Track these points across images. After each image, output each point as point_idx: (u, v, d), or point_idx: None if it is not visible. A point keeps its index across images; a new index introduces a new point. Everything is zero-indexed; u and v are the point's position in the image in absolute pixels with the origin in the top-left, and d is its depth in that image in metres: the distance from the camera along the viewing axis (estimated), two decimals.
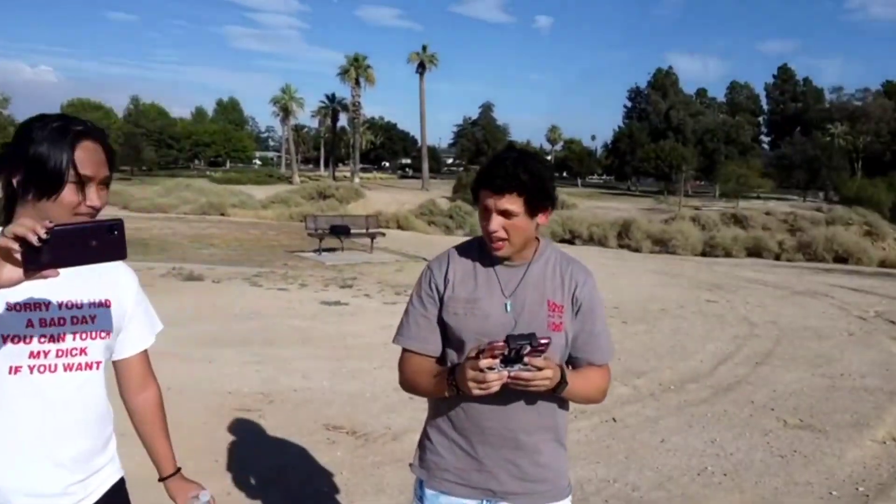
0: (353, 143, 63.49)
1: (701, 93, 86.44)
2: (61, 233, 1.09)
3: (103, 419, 1.50)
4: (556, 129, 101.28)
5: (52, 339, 1.37)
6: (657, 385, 5.91)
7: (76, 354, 1.40)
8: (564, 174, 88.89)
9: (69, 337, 1.39)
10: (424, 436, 1.84)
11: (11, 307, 1.32)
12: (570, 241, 24.32)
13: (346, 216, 18.40)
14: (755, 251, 22.00)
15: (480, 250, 1.75)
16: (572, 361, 1.76)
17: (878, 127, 66.97)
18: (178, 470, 1.69)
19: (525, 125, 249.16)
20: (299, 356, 6.34)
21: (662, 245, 22.62)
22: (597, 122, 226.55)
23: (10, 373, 1.33)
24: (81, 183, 1.33)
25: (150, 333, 1.63)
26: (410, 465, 1.86)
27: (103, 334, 1.45)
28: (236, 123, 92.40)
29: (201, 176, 51.05)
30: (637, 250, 22.50)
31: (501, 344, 1.46)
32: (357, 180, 53.44)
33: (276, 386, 5.41)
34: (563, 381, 1.58)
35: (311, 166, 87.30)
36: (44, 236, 1.07)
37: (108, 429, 1.53)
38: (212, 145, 76.04)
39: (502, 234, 1.64)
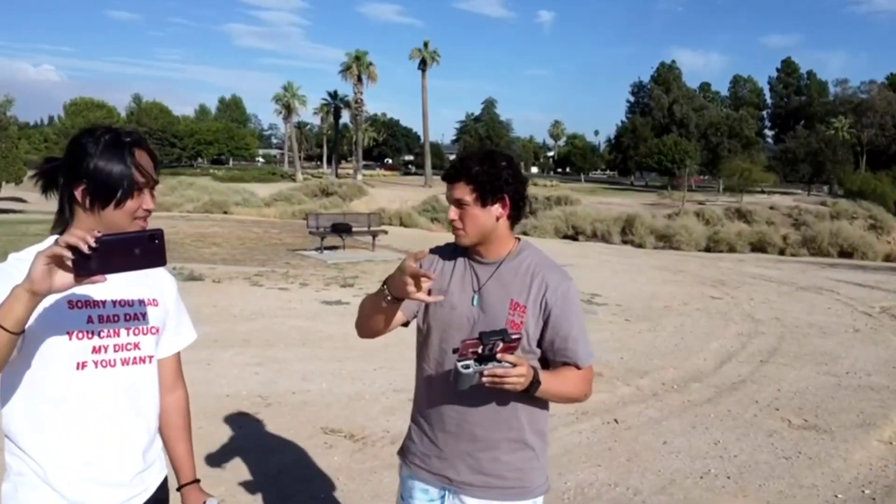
0: (355, 141, 63.40)
1: (704, 87, 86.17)
2: (108, 242, 1.20)
3: (154, 413, 1.58)
4: (559, 124, 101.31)
5: (110, 334, 1.46)
6: (660, 385, 5.85)
7: (131, 349, 1.49)
8: (567, 170, 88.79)
9: (123, 332, 1.48)
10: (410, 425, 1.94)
11: (73, 305, 1.42)
12: (574, 237, 24.26)
13: (347, 214, 18.34)
14: (759, 246, 21.93)
15: (465, 248, 1.81)
16: (551, 366, 1.77)
17: (882, 120, 66.58)
18: (198, 480, 1.73)
19: (528, 121, 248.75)
20: (299, 358, 6.29)
21: (666, 241, 22.57)
22: (600, 117, 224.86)
23: (77, 368, 1.41)
24: (139, 189, 1.43)
25: (184, 336, 1.71)
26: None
27: (154, 330, 1.55)
28: (239, 121, 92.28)
29: (204, 174, 50.97)
30: (640, 246, 22.44)
31: (475, 340, 1.52)
32: (360, 177, 53.40)
33: (274, 388, 5.36)
34: (535, 381, 1.60)
35: (315, 163, 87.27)
36: (93, 245, 1.17)
37: (157, 423, 1.60)
38: (214, 143, 75.80)
39: (457, 223, 1.74)
